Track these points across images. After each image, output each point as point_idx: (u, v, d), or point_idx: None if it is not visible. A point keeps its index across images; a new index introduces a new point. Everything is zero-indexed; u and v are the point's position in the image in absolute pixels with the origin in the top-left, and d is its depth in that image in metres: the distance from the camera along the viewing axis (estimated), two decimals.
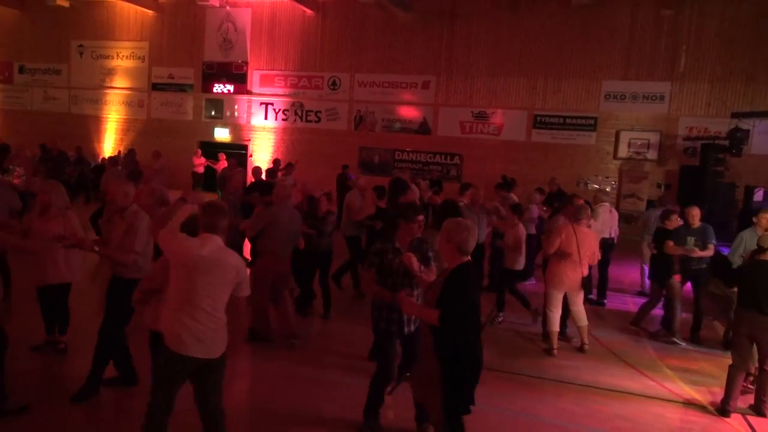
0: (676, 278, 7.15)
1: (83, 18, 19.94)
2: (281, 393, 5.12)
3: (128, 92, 19.84)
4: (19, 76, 21.05)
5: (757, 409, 5.25)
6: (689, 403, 5.45)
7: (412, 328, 4.39)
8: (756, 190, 11.89)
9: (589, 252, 6.48)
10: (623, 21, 14.91)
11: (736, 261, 6.79)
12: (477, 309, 3.60)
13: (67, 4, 18.76)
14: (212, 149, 18.17)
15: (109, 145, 19.98)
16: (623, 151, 15.20)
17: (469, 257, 3.62)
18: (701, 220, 7.30)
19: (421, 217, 4.41)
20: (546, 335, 6.74)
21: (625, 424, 4.95)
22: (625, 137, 15.17)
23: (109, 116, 20.10)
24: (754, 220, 6.95)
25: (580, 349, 6.56)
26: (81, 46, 20.18)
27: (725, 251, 7.54)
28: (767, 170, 13.34)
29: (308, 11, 17.36)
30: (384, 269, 4.29)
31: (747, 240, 6.78)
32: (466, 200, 7.97)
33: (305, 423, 4.65)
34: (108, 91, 20.02)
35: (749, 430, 5.00)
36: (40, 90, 20.80)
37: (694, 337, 7.20)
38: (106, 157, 16.17)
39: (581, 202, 7.40)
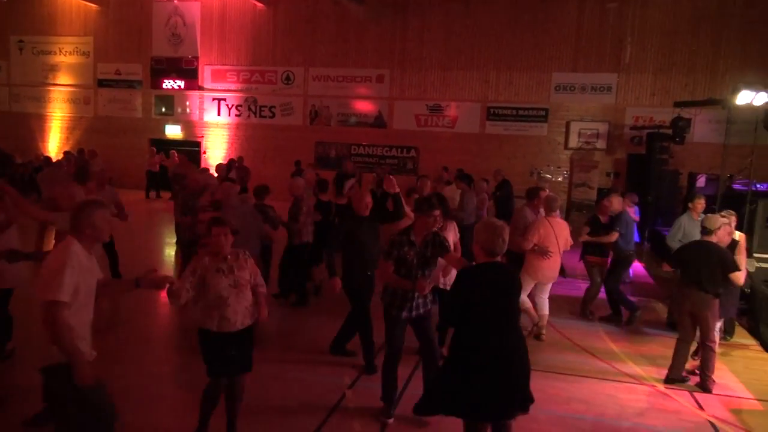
0: (591, 259, 7.57)
1: (22, 12, 19.10)
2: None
3: (73, 89, 19.15)
4: None
5: (702, 386, 5.52)
6: (639, 383, 5.68)
7: (422, 311, 4.64)
8: (698, 176, 12.36)
9: (563, 240, 6.65)
10: (571, 14, 15.28)
11: (675, 246, 7.09)
12: (482, 313, 3.43)
13: None
14: (164, 147, 17.75)
15: (54, 144, 19.27)
16: (574, 142, 15.62)
17: (497, 258, 3.62)
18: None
19: (437, 212, 4.54)
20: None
21: (581, 405, 5.12)
22: (575, 128, 15.57)
23: (53, 114, 19.37)
24: (690, 205, 7.30)
25: (537, 337, 6.71)
26: (21, 41, 19.34)
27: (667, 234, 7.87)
28: (709, 157, 13.92)
29: (259, 5, 17.11)
30: (400, 260, 4.48)
31: (685, 225, 7.10)
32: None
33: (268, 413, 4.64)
34: (51, 88, 19.28)
35: (696, 405, 5.24)
36: None
37: (610, 318, 7.48)
38: (42, 157, 15.54)
39: (546, 193, 7.44)
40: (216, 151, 17.89)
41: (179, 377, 5.39)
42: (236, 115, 17.88)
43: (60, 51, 19.09)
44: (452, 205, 8.91)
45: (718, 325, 6.02)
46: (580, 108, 15.56)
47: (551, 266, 6.58)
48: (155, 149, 17.18)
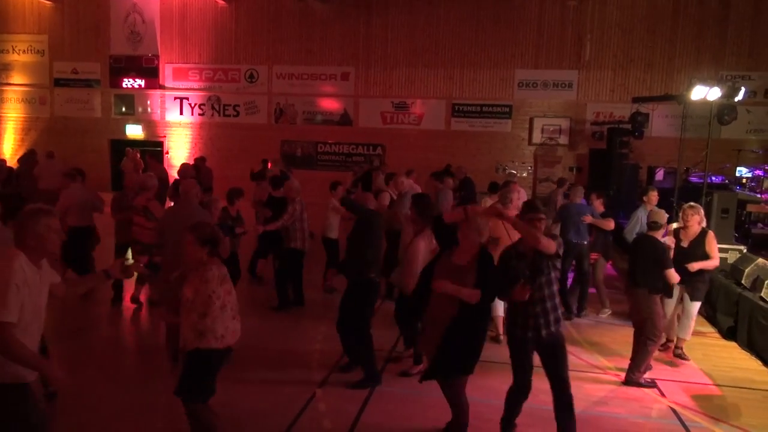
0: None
1: None
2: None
3: (27, 89, 18.54)
4: None
5: (626, 377, 5.52)
6: (604, 372, 5.82)
7: (553, 329, 4.12)
8: (657, 170, 12.73)
9: (515, 234, 6.66)
10: (532, 11, 15.52)
11: (631, 239, 7.28)
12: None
13: None
14: (124, 147, 17.32)
15: (8, 145, 18.62)
16: (537, 137, 15.88)
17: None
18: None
19: (543, 215, 4.32)
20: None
21: (547, 397, 5.19)
22: (538, 124, 15.83)
23: (6, 115, 18.71)
24: (645, 198, 7.39)
25: (495, 339, 6.68)
26: None
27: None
28: (667, 151, 14.32)
29: (221, 2, 16.86)
30: (510, 274, 4.11)
31: (641, 218, 7.27)
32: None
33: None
34: (4, 87, 18.62)
35: (658, 393, 5.40)
36: None
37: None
38: None
39: (515, 187, 7.55)
40: (179, 151, 17.57)
41: (149, 385, 5.28)
42: (199, 114, 17.59)
43: (13, 49, 18.45)
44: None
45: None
46: (542, 104, 15.82)
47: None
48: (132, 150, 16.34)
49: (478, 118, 16.16)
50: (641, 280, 5.41)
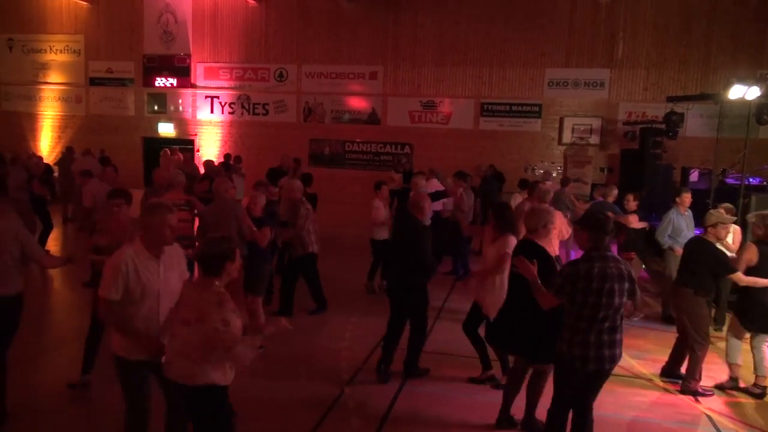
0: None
1: (12, 10, 18.92)
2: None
3: (64, 88, 19.00)
4: None
5: (682, 386, 5.43)
6: (637, 377, 5.72)
7: (617, 351, 3.77)
8: (691, 171, 12.44)
9: (557, 230, 6.66)
10: (563, 10, 15.30)
11: (666, 241, 7.13)
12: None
13: None
14: (157, 145, 17.65)
15: (45, 143, 19.11)
16: (567, 137, 15.65)
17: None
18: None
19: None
20: None
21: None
22: (568, 123, 15.61)
23: (44, 113, 19.21)
24: (678, 200, 7.25)
25: None
26: (10, 39, 19.16)
27: None
28: (701, 152, 13.99)
29: (251, 1, 17.03)
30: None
31: (674, 219, 7.11)
32: None
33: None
34: (42, 86, 19.11)
35: (693, 399, 5.28)
36: None
37: None
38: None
39: (545, 185, 7.63)
40: (209, 149, 17.81)
41: None
42: (229, 113, 17.80)
43: (51, 49, 18.92)
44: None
45: None
46: (573, 103, 15.59)
47: None
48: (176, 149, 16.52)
49: (507, 118, 16.01)
50: (688, 280, 5.33)
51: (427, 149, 16.12)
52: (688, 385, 5.36)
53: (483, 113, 16.11)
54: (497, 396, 4.77)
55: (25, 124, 19.23)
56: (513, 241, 4.95)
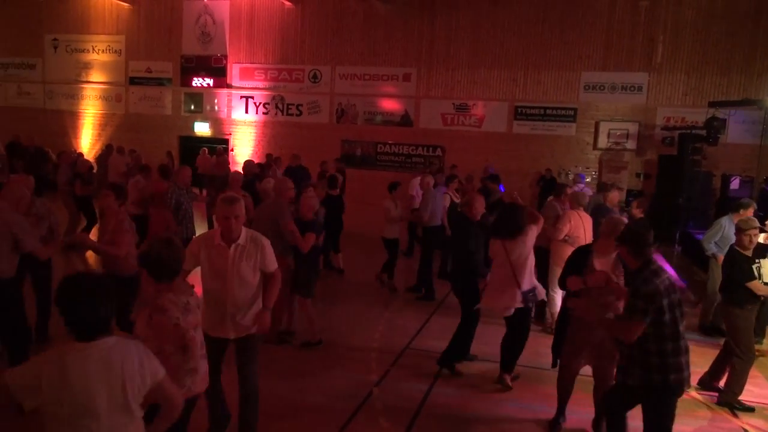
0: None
1: (57, 11, 19.52)
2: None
3: (105, 87, 19.52)
4: None
5: (719, 398, 5.30)
6: None
7: (687, 372, 3.58)
8: (732, 178, 12.12)
9: (589, 234, 6.62)
10: (601, 12, 15.05)
11: (710, 248, 6.92)
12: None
13: None
14: (192, 144, 18.00)
15: (86, 140, 19.66)
16: (603, 142, 15.39)
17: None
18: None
19: None
20: (540, 316, 6.90)
21: None
22: (604, 128, 15.34)
23: (85, 111, 19.76)
24: (741, 211, 6.53)
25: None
26: (55, 40, 19.77)
27: (700, 238, 7.70)
28: (743, 159, 13.61)
29: (288, 3, 17.22)
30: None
31: (726, 227, 6.84)
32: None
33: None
34: (84, 85, 19.67)
35: (729, 413, 5.12)
36: (14, 85, 20.36)
37: None
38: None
39: (572, 189, 7.64)
40: (243, 148, 18.06)
41: None
42: (263, 113, 18.02)
43: (93, 49, 19.47)
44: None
45: None
46: (609, 108, 15.32)
47: None
48: (206, 150, 16.96)
49: (540, 121, 15.82)
50: (722, 290, 5.23)
51: (459, 152, 16.04)
52: (727, 398, 5.20)
53: (516, 116, 15.96)
54: (527, 400, 4.72)
55: (67, 122, 19.81)
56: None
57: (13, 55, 20.18)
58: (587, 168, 15.47)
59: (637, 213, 7.83)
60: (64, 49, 19.75)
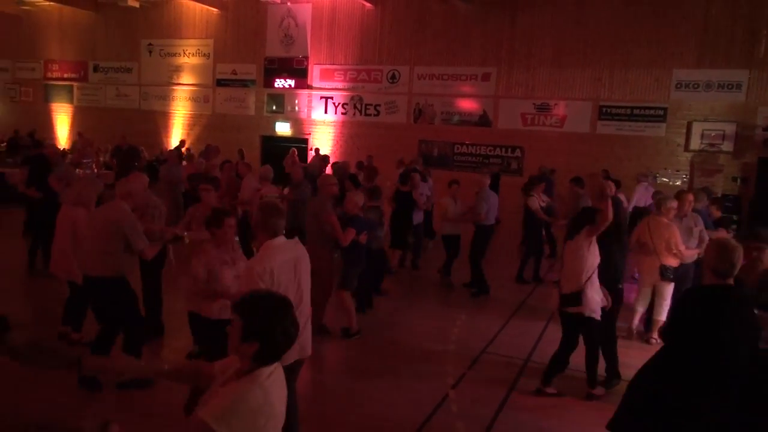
0: None
1: (152, 18, 20.71)
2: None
3: (194, 88, 20.49)
4: (93, 75, 22.12)
5: None
6: None
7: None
8: None
9: (663, 241, 6.18)
10: (697, 5, 14.17)
11: None
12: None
13: (137, 5, 19.51)
14: (273, 143, 18.56)
15: (176, 139, 20.72)
16: (695, 143, 14.48)
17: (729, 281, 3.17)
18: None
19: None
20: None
21: None
22: (697, 128, 14.44)
23: (176, 112, 20.83)
24: None
25: (647, 341, 6.44)
26: (150, 44, 20.97)
27: None
28: None
29: (368, 5, 17.39)
30: None
31: None
32: None
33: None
34: (175, 87, 20.74)
35: None
36: (113, 87, 21.79)
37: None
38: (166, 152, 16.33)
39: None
40: (322, 148, 18.41)
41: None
42: (342, 113, 18.31)
43: (184, 53, 20.49)
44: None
45: None
46: (704, 107, 14.40)
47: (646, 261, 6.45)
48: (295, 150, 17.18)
49: (627, 122, 15.12)
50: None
51: (539, 153, 15.61)
52: None
53: (601, 116, 15.34)
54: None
55: (159, 122, 20.98)
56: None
57: (113, 59, 21.61)
58: (677, 171, 14.63)
59: (715, 213, 7.54)
60: (158, 54, 20.92)
